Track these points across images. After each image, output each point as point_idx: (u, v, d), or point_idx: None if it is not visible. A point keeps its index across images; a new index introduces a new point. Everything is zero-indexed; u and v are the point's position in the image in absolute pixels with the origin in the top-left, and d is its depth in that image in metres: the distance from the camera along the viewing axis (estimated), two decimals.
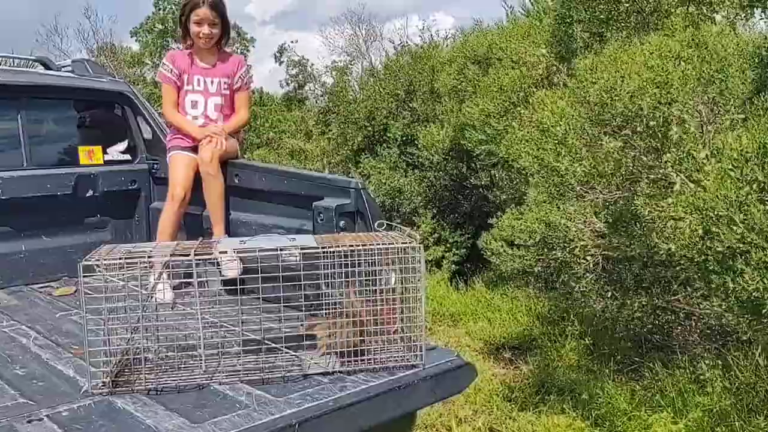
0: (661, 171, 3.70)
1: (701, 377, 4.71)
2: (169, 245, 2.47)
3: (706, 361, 4.74)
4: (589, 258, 5.22)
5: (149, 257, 2.30)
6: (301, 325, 2.58)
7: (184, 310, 2.81)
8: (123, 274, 2.34)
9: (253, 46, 18.98)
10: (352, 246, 2.37)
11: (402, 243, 2.42)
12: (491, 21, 10.95)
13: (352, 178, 3.10)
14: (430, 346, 2.62)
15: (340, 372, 2.43)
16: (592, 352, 5.99)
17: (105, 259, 2.27)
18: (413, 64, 11.07)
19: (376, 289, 2.58)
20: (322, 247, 2.39)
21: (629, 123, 3.49)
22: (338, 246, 2.38)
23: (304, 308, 2.53)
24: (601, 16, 7.35)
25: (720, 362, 4.72)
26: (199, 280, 2.33)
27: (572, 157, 3.55)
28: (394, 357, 2.51)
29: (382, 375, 2.42)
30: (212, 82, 3.96)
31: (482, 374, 5.76)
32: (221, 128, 3.85)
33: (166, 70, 3.92)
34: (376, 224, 2.64)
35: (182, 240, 4.13)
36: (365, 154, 10.98)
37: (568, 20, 7.72)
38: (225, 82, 3.98)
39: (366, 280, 2.45)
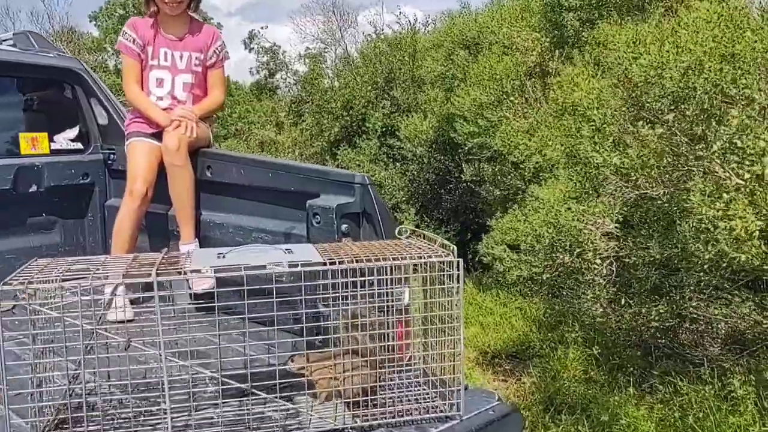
0: (706, 164, 3.17)
1: (732, 395, 4.22)
2: (122, 260, 1.85)
3: (738, 377, 4.24)
4: (598, 262, 4.71)
5: (96, 277, 1.68)
6: (291, 360, 1.97)
7: (142, 340, 2.17)
8: (59, 299, 1.72)
9: (220, 32, 18.08)
10: (372, 261, 1.77)
11: (435, 256, 1.84)
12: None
13: (357, 172, 2.50)
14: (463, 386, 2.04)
15: (352, 428, 1.84)
16: (598, 361, 5.49)
17: (33, 282, 1.64)
18: (392, 50, 10.48)
19: (401, 319, 2.00)
20: (330, 262, 1.79)
21: (678, 106, 2.94)
22: (354, 261, 1.78)
23: (301, 342, 1.93)
24: (593, 2, 6.88)
25: (753, 377, 4.23)
26: (163, 307, 1.71)
27: (609, 147, 3.01)
28: (423, 405, 1.92)
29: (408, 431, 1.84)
30: (181, 56, 3.33)
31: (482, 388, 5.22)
32: (191, 111, 3.23)
33: (128, 39, 3.28)
34: (397, 230, 2.05)
35: (144, 244, 3.51)
36: (343, 145, 10.36)
37: (557, 9, 7.26)
38: (197, 57, 3.35)
39: (388, 304, 1.86)
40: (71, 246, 3.75)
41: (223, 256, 1.84)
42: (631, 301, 4.85)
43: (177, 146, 3.08)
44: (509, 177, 6.64)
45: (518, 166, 6.26)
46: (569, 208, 4.47)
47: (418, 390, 1.97)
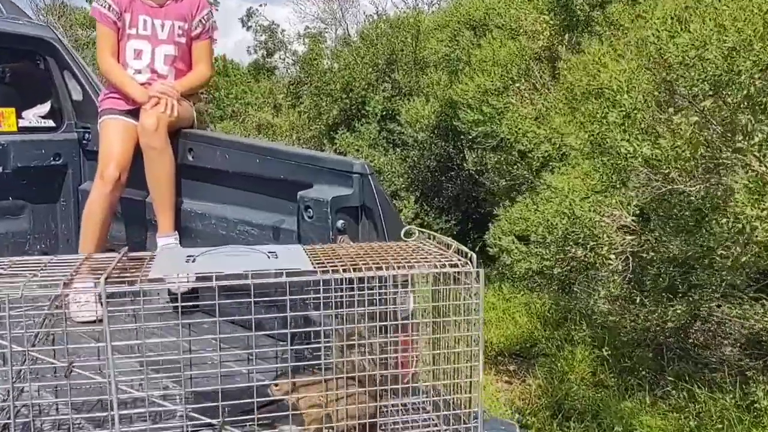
0: (740, 156, 2.85)
1: (755, 405, 3.92)
2: (69, 262, 1.52)
3: (761, 386, 3.94)
4: (612, 257, 4.41)
5: (30, 286, 1.35)
6: (274, 385, 1.65)
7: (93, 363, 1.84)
8: None
9: (217, 10, 17.44)
10: (373, 269, 1.45)
11: (449, 265, 1.51)
12: None
13: (356, 159, 2.16)
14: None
15: None
16: (606, 362, 5.19)
17: None
18: (394, 31, 10.10)
19: (406, 335, 1.69)
20: (323, 270, 1.46)
21: (719, 91, 2.61)
22: (352, 269, 1.46)
23: (286, 362, 1.61)
24: None
25: None
26: (114, 326, 1.39)
27: (639, 135, 2.69)
28: None
29: None
30: (163, 25, 2.98)
31: (485, 391, 4.93)
32: (172, 87, 2.89)
33: (103, 5, 2.93)
34: (403, 231, 1.72)
35: (119, 233, 3.18)
36: (342, 129, 10.00)
37: None
38: (180, 27, 3.00)
39: (391, 322, 1.55)
40: (41, 233, 3.43)
41: (194, 260, 1.51)
42: (646, 300, 4.55)
43: (155, 126, 2.75)
44: (515, 167, 6.30)
45: (526, 155, 5.92)
46: (586, 198, 4.15)
47: (427, 423, 1.65)
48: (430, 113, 8.74)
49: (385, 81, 9.87)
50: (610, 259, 4.42)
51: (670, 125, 2.72)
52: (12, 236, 3.33)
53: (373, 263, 1.51)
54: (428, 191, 9.07)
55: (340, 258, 1.57)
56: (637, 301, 4.59)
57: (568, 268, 4.53)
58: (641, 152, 2.65)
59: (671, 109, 2.89)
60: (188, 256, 1.55)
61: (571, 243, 4.50)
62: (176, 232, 2.78)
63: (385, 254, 1.62)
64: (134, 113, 2.89)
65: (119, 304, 1.53)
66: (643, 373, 4.82)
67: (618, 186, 3.19)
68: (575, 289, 4.86)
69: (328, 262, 1.51)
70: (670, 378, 4.63)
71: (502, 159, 6.42)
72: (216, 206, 2.71)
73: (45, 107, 3.42)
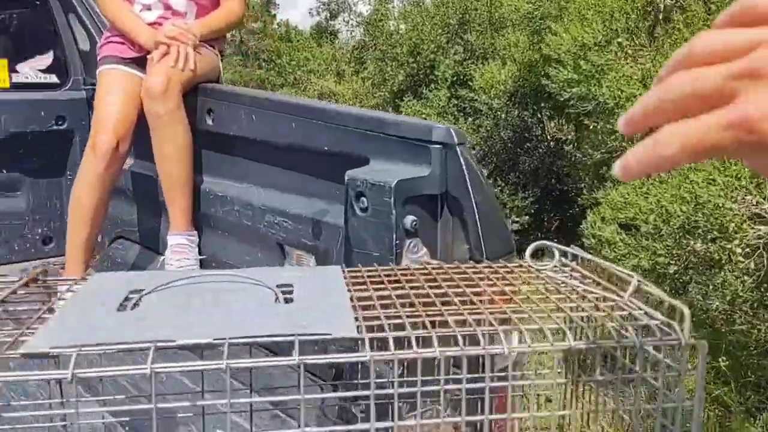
0: None
1: None
2: None
3: None
4: (739, 251, 3.59)
5: None
6: None
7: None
8: None
9: None
10: (483, 345, 0.71)
11: (633, 326, 0.75)
12: None
13: (436, 123, 1.39)
14: None
15: None
16: (719, 373, 4.33)
17: None
18: None
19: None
20: (378, 340, 0.73)
21: None
22: (432, 331, 0.71)
23: None
24: None
25: None
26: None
27: None
28: None
29: None
30: None
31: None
32: (188, 29, 2.17)
33: None
34: (529, 250, 0.96)
35: (130, 216, 2.53)
36: (408, 96, 9.20)
37: None
38: None
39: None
40: (43, 214, 2.81)
41: (135, 304, 0.80)
42: None
43: (163, 87, 2.02)
44: (612, 137, 5.42)
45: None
46: (713, 180, 3.33)
47: None
48: (506, 78, 7.90)
49: (456, 43, 9.01)
50: (737, 253, 3.59)
51: None
52: (6, 218, 2.73)
53: (473, 318, 0.77)
54: (503, 165, 8.24)
55: (410, 301, 0.84)
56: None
57: (684, 265, 3.69)
58: None
59: None
60: (130, 293, 0.83)
61: (688, 234, 3.67)
62: (193, 228, 2.07)
63: (498, 293, 0.87)
64: (142, 62, 2.20)
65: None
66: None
67: None
68: (690, 289, 4.00)
69: (388, 315, 0.78)
70: None
71: (599, 128, 5.52)
72: (240, 187, 2.00)
73: (45, 59, 2.77)
